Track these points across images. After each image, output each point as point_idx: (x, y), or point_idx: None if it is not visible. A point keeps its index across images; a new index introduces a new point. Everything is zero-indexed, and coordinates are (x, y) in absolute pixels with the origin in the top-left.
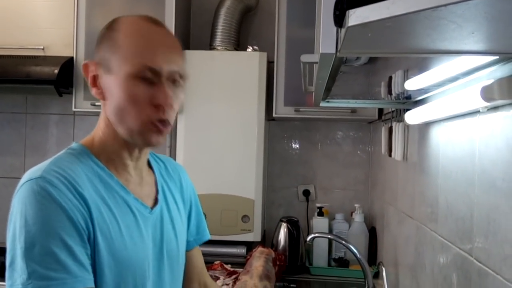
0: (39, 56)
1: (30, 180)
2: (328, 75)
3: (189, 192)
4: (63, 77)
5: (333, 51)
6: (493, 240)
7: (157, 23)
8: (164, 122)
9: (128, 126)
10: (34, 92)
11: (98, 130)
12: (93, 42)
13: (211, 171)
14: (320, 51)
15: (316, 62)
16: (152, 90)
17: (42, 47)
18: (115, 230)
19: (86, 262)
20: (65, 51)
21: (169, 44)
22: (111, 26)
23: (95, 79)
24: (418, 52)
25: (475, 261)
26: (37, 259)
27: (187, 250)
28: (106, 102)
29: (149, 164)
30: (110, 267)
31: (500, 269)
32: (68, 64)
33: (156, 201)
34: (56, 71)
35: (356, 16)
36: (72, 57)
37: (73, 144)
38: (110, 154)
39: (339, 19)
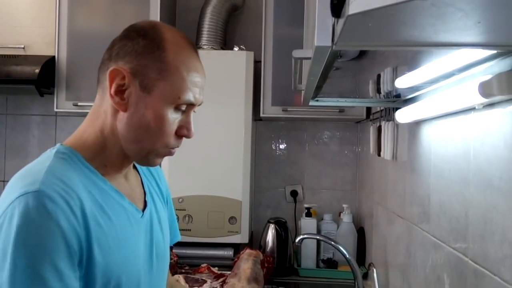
0: (20, 55)
1: (26, 193)
2: (321, 71)
3: (166, 191)
4: (44, 77)
5: (329, 43)
6: (490, 240)
7: (196, 49)
8: (174, 148)
9: (143, 147)
10: (14, 93)
11: (93, 134)
12: (75, 40)
13: (197, 172)
14: (315, 44)
15: (309, 58)
16: (179, 118)
17: (22, 46)
18: (113, 240)
19: (75, 286)
20: (47, 50)
21: (204, 77)
22: (156, 42)
23: (122, 88)
24: (419, 44)
25: (470, 261)
26: (26, 282)
27: None
28: (124, 114)
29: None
30: (107, 278)
31: (498, 270)
32: (49, 64)
33: (145, 203)
34: (37, 71)
35: (357, 4)
36: (54, 56)
37: (60, 147)
38: (104, 160)
39: (337, 8)
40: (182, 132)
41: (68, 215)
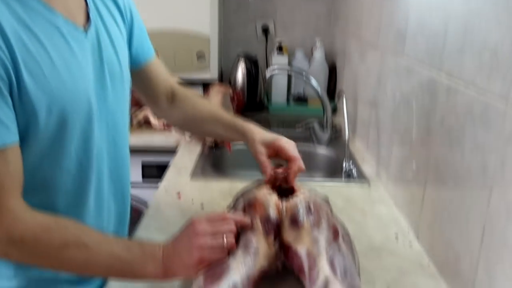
0: None
1: None
2: None
3: (126, 3)
4: None
5: None
6: (469, 51)
7: None
8: None
9: None
10: None
11: None
12: None
13: (162, 5)
14: None
15: None
16: None
17: None
18: (46, 63)
19: (5, 116)
20: None
21: None
22: None
23: None
24: None
25: (444, 79)
26: None
27: (140, 69)
28: None
29: None
30: (48, 108)
31: (473, 82)
32: None
33: (88, 17)
34: None
35: None
36: None
37: None
38: None
39: None
40: None
41: None
